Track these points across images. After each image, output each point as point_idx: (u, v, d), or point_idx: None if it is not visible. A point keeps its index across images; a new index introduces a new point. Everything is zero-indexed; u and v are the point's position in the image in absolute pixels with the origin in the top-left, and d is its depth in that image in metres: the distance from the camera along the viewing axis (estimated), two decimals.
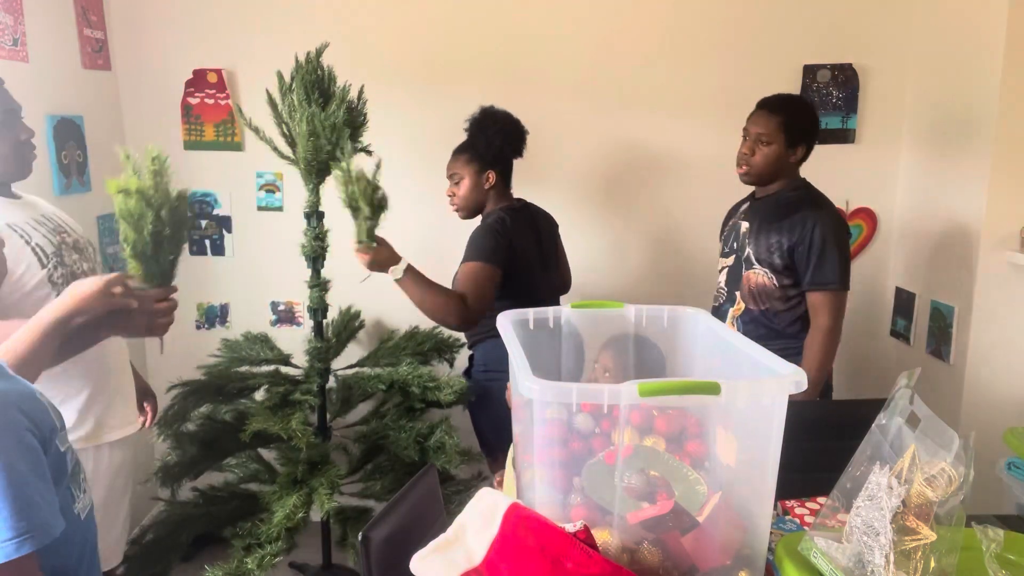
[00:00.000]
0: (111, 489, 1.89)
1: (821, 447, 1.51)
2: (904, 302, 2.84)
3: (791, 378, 1.13)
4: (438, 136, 2.86)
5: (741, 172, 2.23)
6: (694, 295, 2.81)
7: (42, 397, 1.15)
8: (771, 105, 2.19)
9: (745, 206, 2.33)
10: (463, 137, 2.42)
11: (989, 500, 2.25)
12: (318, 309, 2.35)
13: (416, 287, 2.17)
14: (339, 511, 2.31)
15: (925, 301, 2.70)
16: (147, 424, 2.09)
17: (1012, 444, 2.10)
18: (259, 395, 2.43)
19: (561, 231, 2.58)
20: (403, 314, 2.98)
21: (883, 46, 2.81)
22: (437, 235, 2.85)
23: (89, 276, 1.81)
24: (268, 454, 2.55)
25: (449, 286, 2.28)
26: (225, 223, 2.99)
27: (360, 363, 2.62)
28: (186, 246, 2.94)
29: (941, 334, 2.58)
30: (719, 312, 2.32)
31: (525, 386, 1.12)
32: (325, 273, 2.34)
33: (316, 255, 2.31)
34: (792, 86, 2.82)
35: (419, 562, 1.17)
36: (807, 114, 2.21)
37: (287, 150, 2.25)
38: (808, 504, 1.53)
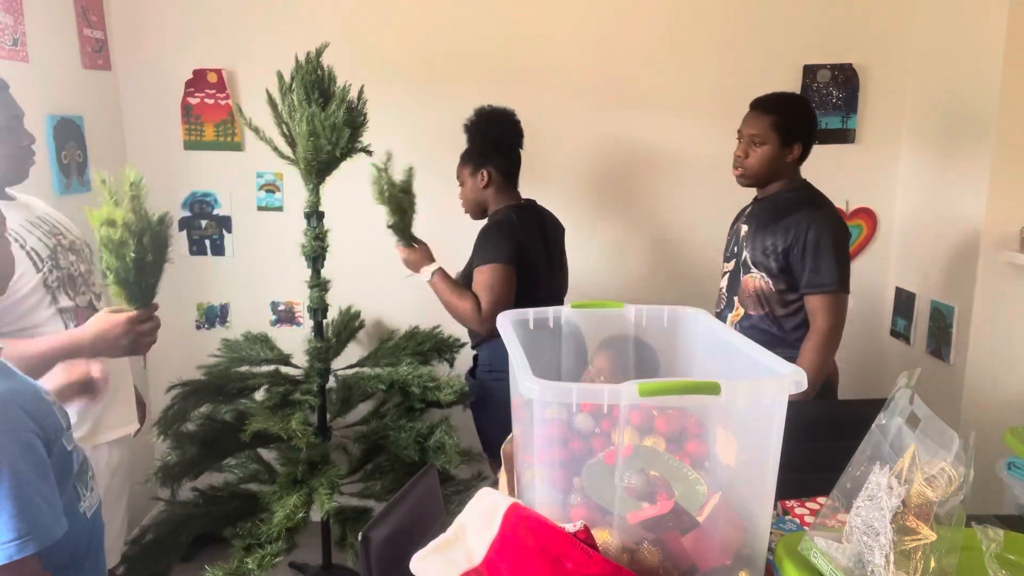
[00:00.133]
0: (108, 489, 1.89)
1: (821, 447, 1.51)
2: (904, 302, 2.84)
3: (791, 378, 1.13)
4: (438, 136, 2.87)
5: (737, 174, 2.19)
6: (695, 296, 2.80)
7: (48, 396, 1.16)
8: (763, 105, 2.15)
9: (748, 209, 2.30)
10: (463, 137, 2.44)
11: (989, 500, 2.25)
12: (318, 309, 2.35)
13: (442, 291, 2.28)
14: (339, 511, 2.31)
15: (925, 301, 2.70)
16: (134, 434, 2.06)
17: (1012, 444, 2.10)
18: (259, 395, 2.43)
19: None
20: (403, 314, 2.99)
21: (883, 46, 2.81)
22: (438, 235, 2.84)
23: (86, 277, 1.81)
24: (268, 454, 2.55)
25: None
26: (225, 223, 2.99)
27: (360, 363, 2.62)
28: (186, 247, 2.97)
29: (941, 334, 2.58)
30: (719, 318, 2.30)
31: (525, 386, 1.12)
32: (325, 273, 2.34)
33: (316, 255, 2.31)
34: (792, 86, 2.82)
35: (419, 562, 1.17)
36: (801, 111, 2.16)
37: (287, 150, 2.25)
38: (808, 504, 1.52)
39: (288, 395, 2.33)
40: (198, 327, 3.06)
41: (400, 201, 2.23)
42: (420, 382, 2.39)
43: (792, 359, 2.09)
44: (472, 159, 2.37)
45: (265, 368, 2.52)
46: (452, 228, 2.62)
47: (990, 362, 2.43)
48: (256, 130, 2.23)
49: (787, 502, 1.53)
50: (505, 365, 1.35)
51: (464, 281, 2.35)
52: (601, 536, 1.15)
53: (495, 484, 2.03)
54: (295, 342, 2.68)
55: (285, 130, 2.23)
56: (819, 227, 2.05)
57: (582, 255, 2.84)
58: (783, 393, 1.13)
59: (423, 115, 2.88)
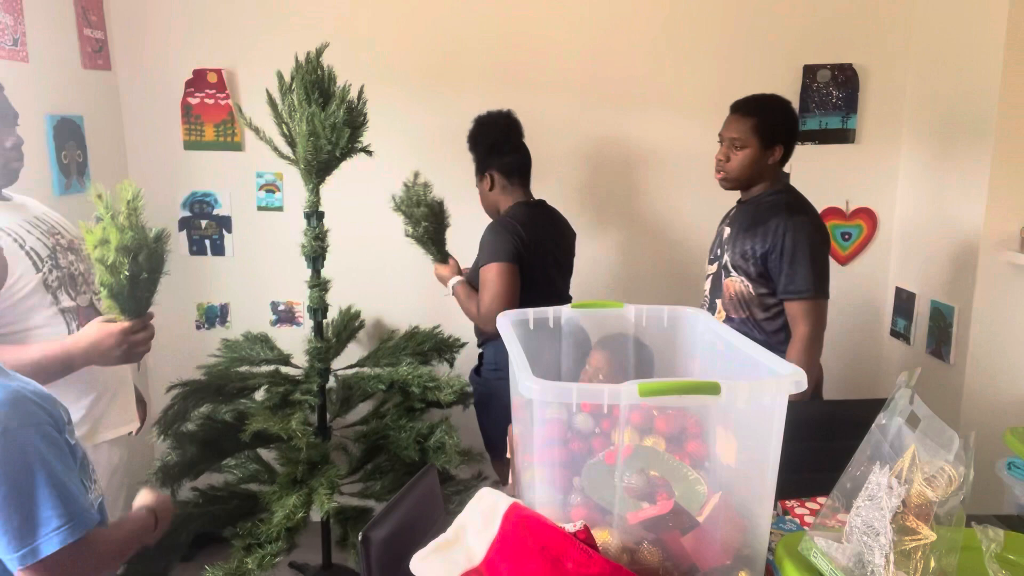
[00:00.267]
0: (108, 488, 1.89)
1: (821, 447, 1.51)
2: (904, 302, 2.84)
3: (791, 378, 1.13)
4: (438, 136, 2.87)
5: (719, 178, 2.19)
6: (695, 296, 2.79)
7: (48, 391, 1.19)
8: (743, 108, 2.14)
9: (732, 211, 2.29)
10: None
11: (989, 500, 2.25)
12: (318, 309, 2.35)
13: (461, 298, 2.37)
14: (339, 511, 2.31)
15: (925, 301, 2.70)
16: (135, 432, 2.06)
17: (1012, 444, 2.10)
18: (259, 395, 2.43)
19: None
20: (403, 314, 2.99)
21: (883, 46, 2.81)
22: None
23: (86, 276, 1.81)
24: (268, 454, 2.55)
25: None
26: (225, 223, 2.99)
27: (360, 363, 2.62)
28: (186, 247, 2.97)
29: (941, 334, 2.58)
30: None
31: (525, 386, 1.12)
32: (325, 273, 2.34)
33: (316, 255, 2.31)
34: (792, 86, 2.82)
35: (419, 562, 1.17)
36: (782, 113, 2.14)
37: (287, 150, 2.25)
38: (808, 504, 1.53)
39: (288, 395, 2.33)
40: (198, 327, 3.06)
41: (413, 212, 2.35)
42: (420, 382, 2.39)
43: None
44: (477, 167, 2.43)
45: (265, 368, 2.52)
46: (454, 227, 2.61)
47: (990, 362, 2.43)
48: (256, 130, 2.23)
49: (787, 502, 1.53)
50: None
51: (473, 280, 2.38)
52: (601, 536, 1.15)
53: (495, 484, 2.04)
54: (295, 342, 2.68)
55: (285, 130, 2.23)
56: (796, 233, 2.04)
57: (582, 255, 2.83)
58: (783, 393, 1.13)
59: (423, 115, 2.88)
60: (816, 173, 2.89)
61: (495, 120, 2.40)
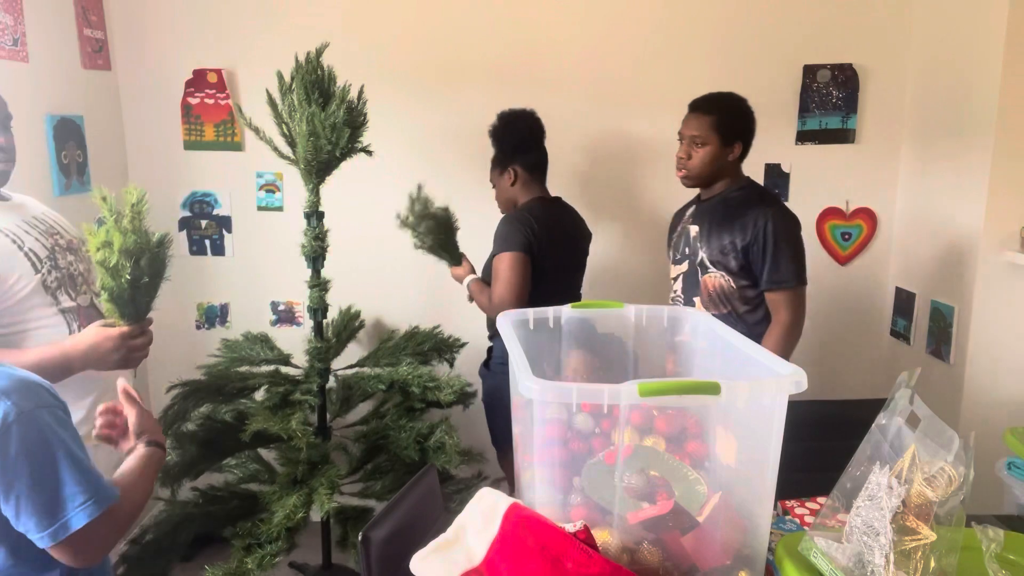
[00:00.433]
0: None
1: (821, 447, 1.51)
2: (904, 302, 2.84)
3: (791, 378, 1.13)
4: (439, 135, 2.87)
5: (681, 176, 2.22)
6: None
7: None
8: (702, 106, 2.18)
9: (691, 209, 2.31)
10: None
11: (989, 500, 2.24)
12: (318, 309, 2.35)
13: (475, 294, 2.41)
14: (339, 511, 2.31)
15: (925, 301, 2.70)
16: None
17: (1012, 444, 2.10)
18: (259, 395, 2.43)
19: None
20: (403, 314, 2.99)
21: (883, 46, 2.81)
22: None
23: (86, 276, 1.81)
24: (268, 454, 2.55)
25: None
26: (225, 223, 2.99)
27: (360, 363, 2.62)
28: (186, 247, 2.97)
29: (941, 334, 2.58)
30: None
31: (525, 386, 1.12)
32: (325, 273, 2.34)
33: (316, 255, 2.31)
34: (792, 86, 2.82)
35: (419, 562, 1.17)
36: (739, 110, 2.19)
37: (287, 150, 2.25)
38: (808, 504, 1.53)
39: (288, 395, 2.33)
40: (198, 327, 3.06)
41: (446, 222, 2.40)
42: (420, 382, 2.39)
43: None
44: (499, 161, 2.44)
45: (265, 368, 2.52)
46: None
47: (990, 362, 2.43)
48: (256, 130, 2.23)
49: (787, 502, 1.53)
50: None
51: (486, 273, 2.41)
52: (601, 536, 1.15)
53: (495, 483, 2.04)
54: (295, 342, 2.68)
55: (285, 130, 2.23)
56: (775, 224, 2.09)
57: None
58: (783, 393, 1.13)
59: (423, 115, 2.88)
60: (816, 173, 2.89)
61: (522, 117, 2.42)
